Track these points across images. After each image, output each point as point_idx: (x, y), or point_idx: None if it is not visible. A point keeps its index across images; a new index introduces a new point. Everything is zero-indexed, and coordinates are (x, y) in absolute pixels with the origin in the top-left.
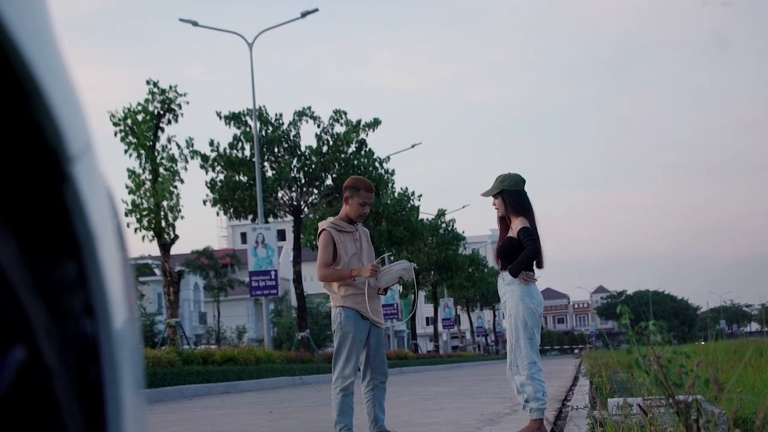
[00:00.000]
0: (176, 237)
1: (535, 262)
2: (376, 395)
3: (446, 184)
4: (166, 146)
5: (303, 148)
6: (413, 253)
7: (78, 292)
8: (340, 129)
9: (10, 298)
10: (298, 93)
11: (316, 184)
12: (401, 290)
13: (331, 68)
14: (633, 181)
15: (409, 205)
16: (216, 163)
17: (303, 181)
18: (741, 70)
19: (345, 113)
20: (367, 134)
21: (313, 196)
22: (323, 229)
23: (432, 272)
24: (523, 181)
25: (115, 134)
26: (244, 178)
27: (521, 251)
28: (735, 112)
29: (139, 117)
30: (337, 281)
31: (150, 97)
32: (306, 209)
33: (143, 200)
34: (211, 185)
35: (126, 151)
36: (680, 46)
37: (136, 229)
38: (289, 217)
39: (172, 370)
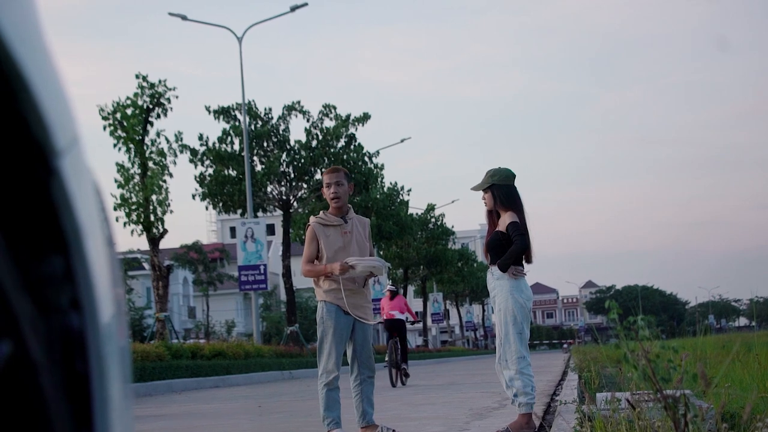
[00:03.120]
0: (165, 231)
1: (524, 257)
2: (363, 389)
3: (436, 179)
4: (155, 140)
5: (292, 143)
6: (402, 247)
7: (65, 286)
8: (329, 123)
9: None
10: (288, 87)
11: (306, 178)
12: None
13: (321, 62)
14: (622, 176)
15: (399, 200)
16: (205, 158)
17: (292, 175)
18: (730, 66)
19: (334, 108)
20: (356, 129)
21: (303, 191)
22: (308, 225)
23: (421, 267)
24: (514, 176)
25: (104, 128)
26: (233, 173)
27: (510, 246)
28: (724, 108)
29: (129, 111)
30: (316, 277)
31: (139, 91)
32: (295, 203)
33: (132, 194)
34: (200, 179)
35: (115, 145)
36: (669, 42)
37: (125, 224)
38: (279, 212)
39: (161, 364)
